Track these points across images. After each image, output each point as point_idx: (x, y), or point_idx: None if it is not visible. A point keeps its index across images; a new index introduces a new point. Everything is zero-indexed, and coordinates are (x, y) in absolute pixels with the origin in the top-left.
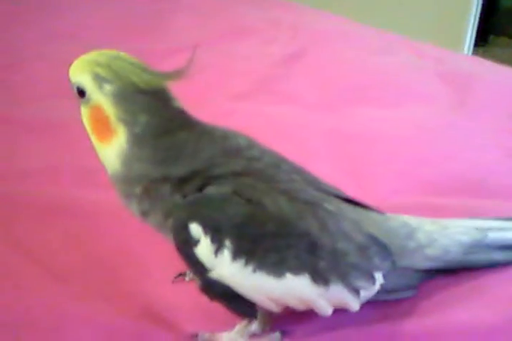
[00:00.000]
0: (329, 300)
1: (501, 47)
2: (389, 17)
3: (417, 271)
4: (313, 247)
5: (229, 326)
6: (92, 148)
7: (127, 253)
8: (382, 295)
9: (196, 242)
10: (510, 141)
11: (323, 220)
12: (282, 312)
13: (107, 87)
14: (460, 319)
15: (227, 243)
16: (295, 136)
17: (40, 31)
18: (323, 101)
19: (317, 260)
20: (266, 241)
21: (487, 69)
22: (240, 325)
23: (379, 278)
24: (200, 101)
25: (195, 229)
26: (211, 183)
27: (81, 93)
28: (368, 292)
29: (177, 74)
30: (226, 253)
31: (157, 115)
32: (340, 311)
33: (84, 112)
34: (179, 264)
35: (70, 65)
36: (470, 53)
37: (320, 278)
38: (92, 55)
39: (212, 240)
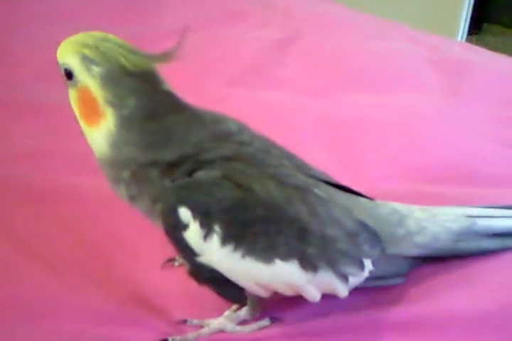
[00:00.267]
0: (318, 286)
1: (495, 35)
2: (383, 4)
3: (406, 258)
4: (302, 233)
5: (218, 312)
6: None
7: (117, 239)
8: (371, 282)
9: (185, 227)
10: (502, 130)
11: (313, 206)
12: (272, 299)
13: (95, 69)
14: (448, 306)
15: (216, 228)
16: (287, 122)
17: (30, 15)
18: (316, 87)
19: (306, 246)
20: (255, 227)
21: (481, 56)
22: (229, 311)
23: (368, 264)
24: (192, 86)
25: (184, 213)
26: (201, 168)
27: (68, 75)
28: (356, 278)
29: (166, 56)
30: (215, 238)
31: (146, 98)
32: (329, 298)
33: (72, 94)
34: (168, 250)
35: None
36: (463, 41)
37: (308, 264)
38: (80, 37)
39: (201, 225)
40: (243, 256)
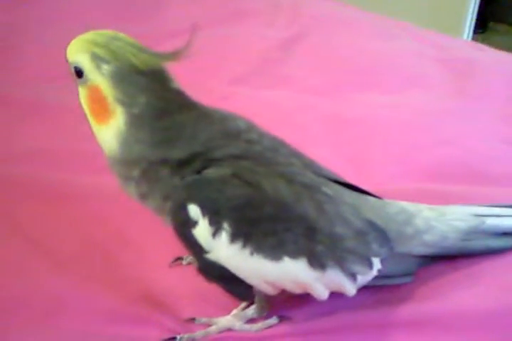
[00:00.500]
0: (326, 284)
1: (500, 34)
2: (389, 3)
3: (415, 257)
4: (310, 231)
5: (226, 310)
6: (91, 132)
7: (124, 238)
8: (379, 281)
9: (194, 224)
10: (508, 128)
11: (322, 204)
12: (279, 298)
13: (105, 67)
14: (456, 305)
15: (225, 225)
16: (293, 121)
17: (38, 16)
18: (322, 85)
19: (314, 244)
20: (264, 224)
21: (487, 55)
22: (237, 310)
23: (376, 263)
24: (198, 84)
25: (194, 210)
26: (210, 166)
27: (79, 73)
28: (365, 277)
29: (175, 55)
30: (224, 236)
31: (155, 96)
32: (336, 296)
33: (82, 92)
34: (177, 249)
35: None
36: (469, 40)
37: (317, 262)
38: (90, 35)
39: (211, 222)
40: (251, 254)
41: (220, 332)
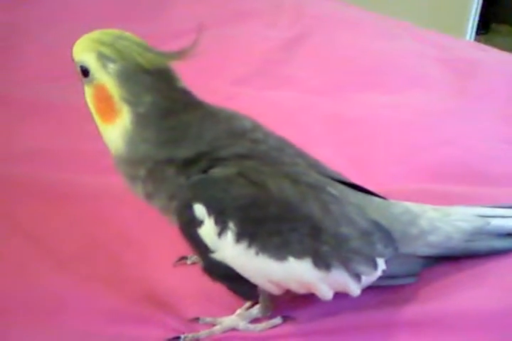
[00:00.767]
0: (330, 285)
1: (503, 35)
2: (391, 3)
3: (419, 257)
4: (315, 231)
5: (230, 310)
6: (93, 132)
7: (128, 237)
8: (384, 281)
9: (200, 223)
10: (510, 128)
11: (327, 204)
12: (284, 298)
13: (111, 66)
14: (460, 306)
15: (231, 225)
16: (296, 121)
17: (41, 15)
18: (325, 85)
19: (319, 244)
20: (269, 224)
21: (489, 55)
22: (242, 310)
23: (381, 263)
24: (201, 85)
25: (199, 209)
26: (216, 165)
27: (85, 72)
28: (369, 277)
29: (181, 54)
30: (229, 235)
31: (161, 95)
32: (340, 296)
33: (88, 91)
34: (181, 248)
35: (72, 46)
36: (471, 41)
37: (322, 262)
38: (96, 34)
39: (216, 221)
40: (257, 253)
41: (224, 331)
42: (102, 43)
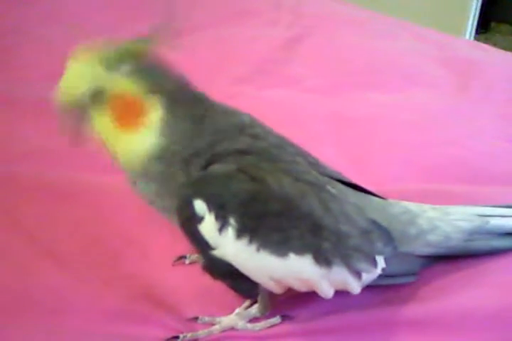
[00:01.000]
0: (331, 282)
1: (502, 34)
2: (391, 3)
3: (418, 256)
4: (316, 227)
5: (229, 309)
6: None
7: (127, 237)
8: (383, 280)
9: (200, 219)
10: (510, 127)
11: (326, 202)
12: (283, 297)
13: (124, 67)
14: (460, 305)
15: (232, 221)
16: (296, 120)
17: (39, 15)
18: (325, 85)
19: (320, 240)
20: (269, 220)
21: (490, 55)
22: (240, 309)
23: (381, 261)
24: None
25: (200, 205)
26: (215, 161)
27: (97, 95)
28: (369, 275)
29: (156, 35)
30: (230, 231)
31: (175, 85)
32: (340, 296)
33: (101, 115)
34: (180, 247)
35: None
36: (471, 40)
37: (322, 258)
38: (85, 57)
39: (217, 217)
40: (258, 250)
41: (223, 331)
42: (99, 57)
